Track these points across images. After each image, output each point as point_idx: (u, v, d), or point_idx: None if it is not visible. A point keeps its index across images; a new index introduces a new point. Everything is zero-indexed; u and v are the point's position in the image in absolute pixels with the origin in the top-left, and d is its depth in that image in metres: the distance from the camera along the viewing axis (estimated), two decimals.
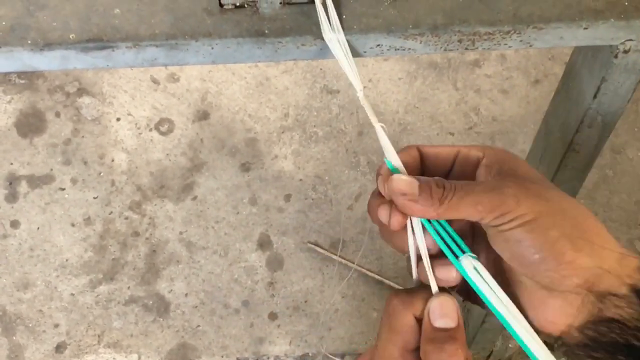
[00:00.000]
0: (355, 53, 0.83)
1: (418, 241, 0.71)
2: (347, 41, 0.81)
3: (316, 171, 1.98)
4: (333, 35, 0.78)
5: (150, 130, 2.03)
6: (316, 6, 0.80)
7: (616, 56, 0.88)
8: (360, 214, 1.93)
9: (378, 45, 0.83)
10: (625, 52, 0.87)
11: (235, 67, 2.10)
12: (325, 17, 0.79)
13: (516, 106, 2.09)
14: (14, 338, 1.81)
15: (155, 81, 2.08)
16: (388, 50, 0.84)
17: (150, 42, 0.80)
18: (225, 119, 2.05)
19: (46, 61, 0.81)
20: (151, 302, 1.86)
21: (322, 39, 0.80)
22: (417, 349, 0.67)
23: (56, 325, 1.83)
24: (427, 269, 0.70)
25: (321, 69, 2.10)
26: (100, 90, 2.07)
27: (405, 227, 0.70)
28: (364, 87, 2.09)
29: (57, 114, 2.03)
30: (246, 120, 2.05)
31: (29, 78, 2.06)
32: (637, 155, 2.05)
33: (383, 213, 0.71)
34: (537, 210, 0.67)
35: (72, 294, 1.86)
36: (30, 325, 1.83)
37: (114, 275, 1.88)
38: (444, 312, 0.67)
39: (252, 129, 2.04)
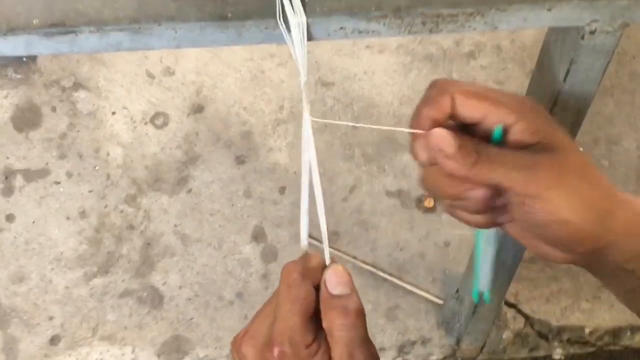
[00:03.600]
0: (318, 36, 0.84)
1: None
2: (310, 24, 0.82)
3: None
4: (294, 19, 0.78)
5: (146, 123, 2.03)
6: None
7: (583, 37, 0.88)
8: (354, 206, 1.93)
9: (341, 27, 0.83)
10: (592, 33, 0.87)
11: (230, 60, 2.11)
12: (288, 0, 0.79)
13: None
14: (9, 331, 1.82)
15: (150, 75, 2.09)
16: (352, 32, 0.84)
17: (113, 26, 0.81)
18: (220, 112, 2.05)
19: (10, 46, 0.81)
20: (145, 294, 1.87)
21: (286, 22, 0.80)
22: (313, 317, 0.71)
23: (51, 318, 1.84)
24: (324, 242, 0.76)
25: (316, 62, 2.11)
26: (96, 84, 2.07)
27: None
28: (359, 79, 2.10)
29: (53, 109, 2.04)
30: (241, 113, 2.05)
31: (25, 73, 2.07)
32: (633, 146, 2.04)
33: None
34: (567, 204, 0.70)
35: (67, 287, 1.87)
36: (25, 318, 1.84)
37: (109, 268, 1.89)
38: (339, 281, 0.71)
39: (247, 122, 2.04)
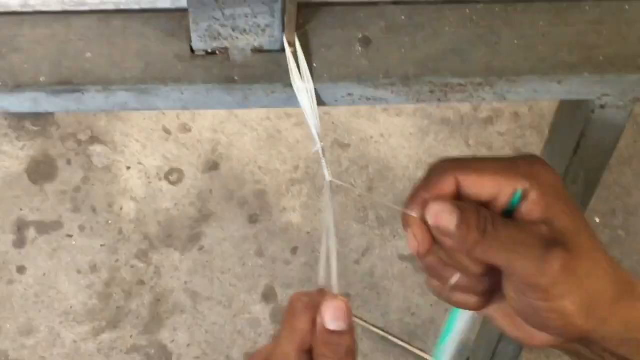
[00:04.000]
0: (326, 102, 0.83)
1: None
2: (318, 90, 0.81)
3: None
4: (302, 84, 0.78)
5: (160, 179, 2.04)
6: (286, 54, 0.80)
7: (593, 111, 0.87)
8: (367, 269, 1.92)
9: (349, 94, 0.83)
10: (602, 107, 0.86)
11: (247, 119, 2.11)
12: (295, 66, 0.79)
13: None
14: None
15: (167, 131, 2.09)
16: (359, 99, 0.83)
17: (120, 86, 0.81)
18: (235, 170, 2.05)
19: (16, 103, 0.81)
20: (153, 351, 1.86)
21: (292, 87, 0.80)
22: (311, 350, 0.70)
23: None
24: (333, 273, 0.73)
25: (333, 123, 2.11)
26: (112, 138, 2.08)
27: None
28: (376, 141, 2.10)
29: (69, 162, 2.04)
30: (256, 172, 2.05)
31: (42, 125, 2.08)
32: None
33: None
34: (572, 300, 0.67)
35: (75, 341, 1.86)
36: None
37: (117, 324, 1.88)
38: (336, 316, 0.69)
39: (262, 181, 2.04)
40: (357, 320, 1.86)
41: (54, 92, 0.80)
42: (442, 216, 0.67)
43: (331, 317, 0.69)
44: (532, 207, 0.68)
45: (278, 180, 2.04)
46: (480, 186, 0.69)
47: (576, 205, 0.70)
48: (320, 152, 0.77)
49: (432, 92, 0.83)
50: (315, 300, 0.71)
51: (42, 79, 0.80)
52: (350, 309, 0.71)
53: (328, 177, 0.76)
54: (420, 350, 1.85)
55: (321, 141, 0.77)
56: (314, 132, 0.77)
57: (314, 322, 0.70)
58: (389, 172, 2.05)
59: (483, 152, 2.09)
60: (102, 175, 2.03)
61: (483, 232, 0.67)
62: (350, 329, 0.70)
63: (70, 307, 1.89)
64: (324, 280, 0.74)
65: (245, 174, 2.05)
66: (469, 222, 0.67)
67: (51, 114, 2.09)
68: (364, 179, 2.04)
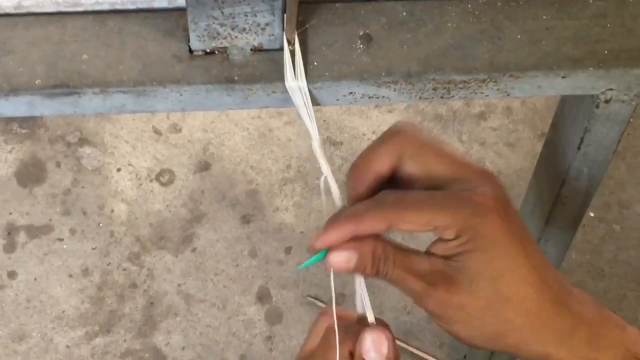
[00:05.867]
0: (327, 101, 0.82)
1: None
2: (318, 89, 0.80)
3: (318, 223, 1.96)
4: (295, 82, 0.76)
5: (151, 181, 2.02)
6: (284, 53, 0.78)
7: (597, 106, 0.86)
8: None
9: (351, 93, 0.81)
10: (607, 101, 0.85)
11: (238, 118, 2.09)
12: (291, 64, 0.78)
13: (522, 160, 2.07)
14: None
15: (157, 131, 2.07)
16: (361, 98, 0.82)
17: (117, 88, 0.79)
18: (226, 170, 2.03)
19: (11, 107, 0.79)
20: (147, 355, 1.84)
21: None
22: None
23: None
24: (365, 302, 0.71)
25: (324, 121, 2.09)
26: (102, 140, 2.06)
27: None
28: (368, 139, 2.08)
29: (58, 164, 2.02)
30: (248, 171, 2.03)
31: (31, 127, 2.06)
32: None
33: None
34: (468, 329, 0.67)
35: (68, 346, 1.84)
36: None
37: (111, 328, 1.86)
38: (375, 348, 0.68)
39: (254, 181, 2.02)
40: None
41: (50, 96, 0.79)
42: (340, 264, 0.68)
43: (370, 350, 0.68)
44: (444, 246, 0.67)
45: (270, 179, 2.03)
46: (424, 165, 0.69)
47: (519, 244, 0.67)
48: (317, 150, 0.76)
49: (435, 89, 0.82)
50: (350, 332, 0.69)
51: (37, 81, 0.78)
52: (391, 336, 0.69)
53: (329, 174, 0.75)
54: (417, 348, 1.84)
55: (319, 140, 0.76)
56: (312, 131, 0.76)
57: (351, 354, 0.69)
58: None
59: (476, 148, 2.07)
60: (92, 177, 2.01)
61: (377, 273, 0.68)
62: (395, 356, 0.69)
63: (63, 311, 1.87)
64: (360, 307, 0.72)
65: (237, 173, 2.03)
66: (365, 265, 0.68)
67: (39, 115, 2.07)
68: None
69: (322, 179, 0.74)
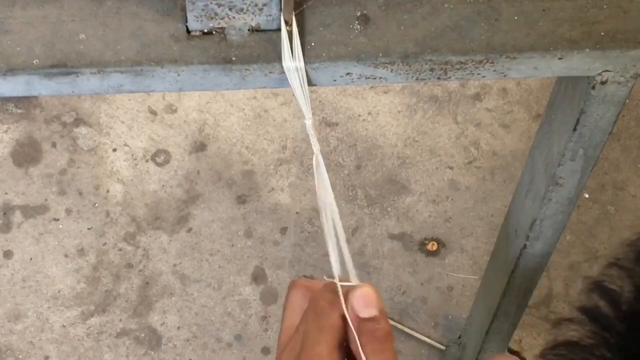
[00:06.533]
0: (324, 82, 0.82)
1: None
2: (315, 69, 0.80)
3: (313, 204, 1.96)
4: (292, 63, 0.76)
5: (147, 161, 2.02)
6: (281, 34, 0.78)
7: (594, 87, 0.86)
8: (356, 248, 1.91)
9: (348, 73, 0.81)
10: (603, 83, 0.85)
11: (233, 99, 2.09)
12: (288, 45, 0.78)
13: (517, 140, 2.07)
14: None
15: (152, 112, 2.07)
16: (358, 78, 0.82)
17: (115, 68, 0.79)
18: (222, 150, 2.03)
19: (9, 86, 0.79)
20: (143, 334, 1.84)
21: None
22: (342, 345, 0.69)
23: (47, 357, 1.81)
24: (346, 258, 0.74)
25: (320, 101, 2.09)
26: (97, 120, 2.06)
27: None
28: (363, 119, 2.08)
29: (54, 144, 2.02)
30: (243, 152, 2.03)
31: (26, 107, 2.06)
32: (639, 192, 2.02)
33: None
34: None
35: (64, 326, 1.84)
36: (21, 356, 1.81)
37: (106, 307, 1.86)
38: (367, 303, 0.69)
39: (249, 161, 2.02)
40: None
41: (48, 75, 0.79)
42: None
43: (363, 306, 0.69)
44: None
45: (266, 160, 2.03)
46: None
47: None
48: (309, 129, 0.76)
49: (432, 70, 0.82)
50: (336, 293, 0.70)
51: (35, 61, 0.78)
52: (377, 292, 0.71)
53: (316, 150, 0.75)
54: (411, 329, 1.85)
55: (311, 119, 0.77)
56: (305, 110, 0.76)
57: (342, 317, 0.69)
58: (377, 150, 2.04)
59: (471, 129, 2.08)
60: (87, 157, 2.01)
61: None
62: (382, 312, 0.70)
63: (58, 291, 1.87)
64: (337, 268, 0.73)
65: (233, 154, 2.03)
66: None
67: (35, 95, 2.07)
68: (352, 158, 2.02)
69: (314, 157, 0.75)
